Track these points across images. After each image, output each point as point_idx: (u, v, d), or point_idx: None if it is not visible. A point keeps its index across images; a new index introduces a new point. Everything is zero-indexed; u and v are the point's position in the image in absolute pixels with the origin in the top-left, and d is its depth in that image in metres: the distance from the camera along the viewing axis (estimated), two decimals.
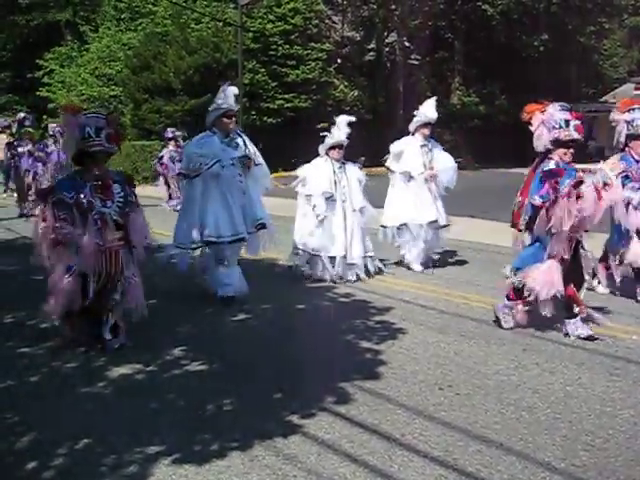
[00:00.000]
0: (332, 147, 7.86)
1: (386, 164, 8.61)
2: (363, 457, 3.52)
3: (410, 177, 8.21)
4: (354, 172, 8.02)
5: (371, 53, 34.15)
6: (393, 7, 30.77)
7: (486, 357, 5.09)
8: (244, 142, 6.85)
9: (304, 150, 28.70)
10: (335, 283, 7.44)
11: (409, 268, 8.27)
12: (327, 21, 32.07)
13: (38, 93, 29.28)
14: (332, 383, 4.49)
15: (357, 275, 7.59)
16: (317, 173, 7.79)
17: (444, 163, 8.56)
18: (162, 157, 15.37)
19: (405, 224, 8.12)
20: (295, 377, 4.63)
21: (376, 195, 8.38)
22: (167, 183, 15.19)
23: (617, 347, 5.37)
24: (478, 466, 3.44)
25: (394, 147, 8.54)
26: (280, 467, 3.44)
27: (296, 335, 5.66)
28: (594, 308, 5.88)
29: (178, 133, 15.87)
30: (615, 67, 40.73)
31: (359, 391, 4.37)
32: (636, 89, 34.07)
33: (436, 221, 8.18)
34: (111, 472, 3.40)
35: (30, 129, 13.93)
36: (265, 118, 25.86)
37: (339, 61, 31.03)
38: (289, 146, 25.52)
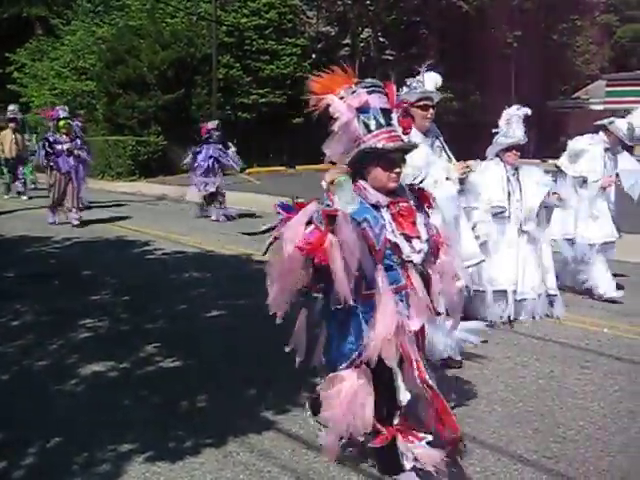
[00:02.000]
0: (508, 148, 5.99)
1: (557, 163, 7.16)
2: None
3: (583, 182, 6.69)
4: (533, 175, 6.11)
5: (346, 48, 34.16)
6: (368, 2, 30.80)
7: None
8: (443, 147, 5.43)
9: (279, 145, 28.72)
10: (504, 325, 5.83)
11: (608, 300, 6.62)
12: (302, 16, 32.00)
13: (9, 87, 28.84)
14: (307, 378, 4.49)
15: (533, 316, 5.97)
16: (485, 179, 5.78)
17: (630, 165, 6.89)
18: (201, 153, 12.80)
19: (571, 240, 6.70)
20: (269, 373, 4.62)
21: None
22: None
23: (588, 340, 5.45)
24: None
25: (574, 144, 6.94)
26: (254, 463, 3.44)
27: (270, 331, 5.64)
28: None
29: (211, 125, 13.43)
30: (587, 64, 41.18)
31: None
32: (608, 86, 34.52)
33: (612, 242, 6.72)
34: (83, 470, 3.37)
35: (69, 121, 11.72)
36: (240, 113, 25.77)
37: (314, 56, 31.00)
38: (264, 141, 25.48)
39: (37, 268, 8.10)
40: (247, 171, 24.85)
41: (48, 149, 11.36)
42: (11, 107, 16.52)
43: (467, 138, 33.55)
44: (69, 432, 3.73)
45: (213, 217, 12.38)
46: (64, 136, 11.50)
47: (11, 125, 15.72)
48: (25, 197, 15.77)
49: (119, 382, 4.48)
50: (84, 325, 5.69)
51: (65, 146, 11.39)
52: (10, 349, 5.10)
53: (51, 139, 11.48)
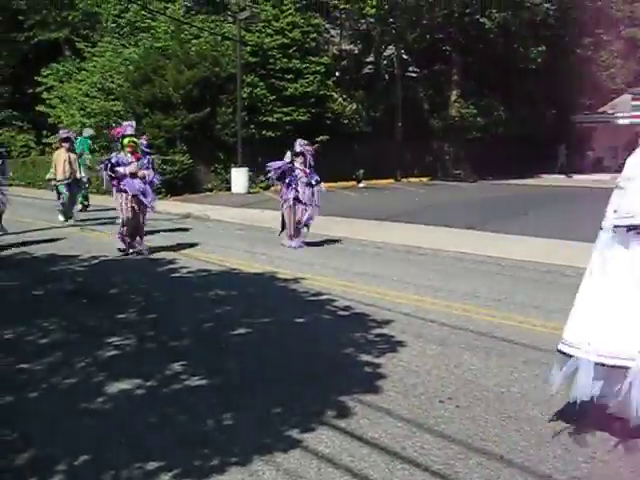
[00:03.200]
0: None
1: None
2: (363, 471, 3.50)
3: None
4: None
5: (369, 66, 34.32)
6: (391, 20, 30.94)
7: (486, 369, 5.08)
8: None
9: None
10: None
11: None
12: (325, 35, 32.23)
13: (38, 108, 29.40)
14: (332, 397, 4.48)
15: None
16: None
17: None
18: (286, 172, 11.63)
19: None
20: (295, 391, 4.61)
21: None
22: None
23: None
24: (479, 479, 3.43)
25: (630, 169, 4.15)
26: None
27: (296, 349, 5.65)
28: None
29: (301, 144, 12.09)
30: (612, 78, 40.90)
31: (359, 404, 4.36)
32: (633, 100, 34.22)
33: None
34: None
35: (134, 139, 10.67)
36: (264, 131, 25.95)
37: (337, 74, 31.17)
38: None
39: (65, 286, 8.20)
40: (271, 189, 25.03)
41: (110, 172, 10.35)
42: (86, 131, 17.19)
43: (492, 153, 33.53)
44: (96, 450, 3.75)
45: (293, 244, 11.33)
46: (129, 155, 10.48)
47: (64, 145, 15.17)
48: (72, 221, 15.06)
49: (146, 400, 4.49)
50: (111, 343, 5.74)
51: (129, 168, 10.33)
52: (38, 366, 5.15)
53: (114, 160, 10.42)
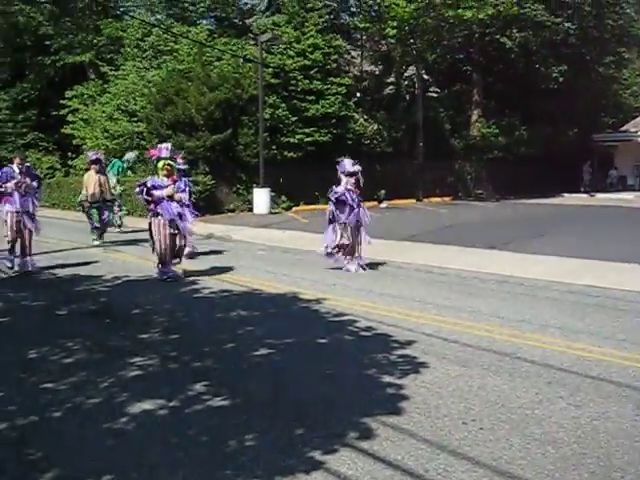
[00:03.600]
0: None
1: None
2: None
3: None
4: None
5: (390, 87, 34.46)
6: (411, 41, 31.08)
7: (510, 391, 5.03)
8: None
9: (325, 184, 29.06)
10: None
11: None
12: (346, 56, 32.45)
13: (63, 131, 29.83)
14: (354, 418, 4.46)
15: None
16: None
17: None
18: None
19: None
20: (317, 412, 4.60)
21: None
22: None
23: None
24: None
25: None
26: None
27: (318, 370, 5.64)
28: None
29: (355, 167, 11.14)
30: (635, 96, 40.70)
31: (382, 426, 4.33)
32: None
33: None
34: None
35: (170, 162, 10.26)
36: (286, 152, 26.10)
37: (358, 95, 31.33)
38: (310, 180, 25.72)
39: (88, 306, 8.27)
40: (294, 209, 25.08)
41: (146, 196, 9.99)
42: (128, 155, 17.19)
43: (513, 172, 33.41)
44: (119, 470, 3.76)
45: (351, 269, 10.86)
46: (165, 179, 10.13)
47: (94, 166, 15.11)
48: (99, 241, 15.08)
49: (168, 420, 4.51)
50: (134, 363, 5.77)
51: (166, 192, 9.95)
52: (62, 386, 5.19)
53: (149, 184, 10.06)
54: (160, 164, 10.21)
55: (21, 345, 6.38)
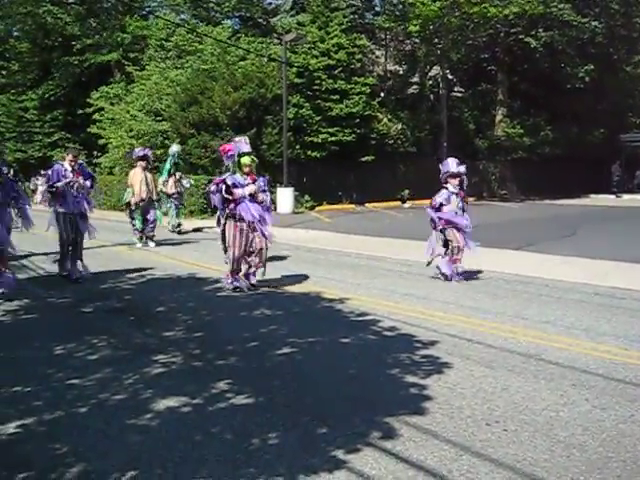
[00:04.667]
0: None
1: None
2: None
3: None
4: None
5: (414, 86, 34.38)
6: (435, 40, 30.95)
7: (534, 392, 4.99)
8: None
9: (349, 183, 29.16)
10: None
11: None
12: (370, 55, 32.43)
13: (89, 130, 30.16)
14: (377, 418, 4.46)
15: None
16: None
17: None
18: None
19: None
20: (340, 411, 4.60)
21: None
22: None
23: None
24: None
25: None
26: None
27: (341, 369, 5.64)
28: None
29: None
30: None
31: (405, 426, 4.32)
32: None
33: None
34: None
35: (253, 157, 9.34)
36: (310, 152, 26.15)
37: (382, 94, 31.28)
38: (334, 180, 25.74)
39: (113, 304, 8.35)
40: (317, 209, 25.10)
41: (227, 195, 8.90)
42: (173, 148, 16.18)
43: (538, 173, 33.14)
44: (144, 466, 3.79)
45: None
46: (246, 177, 9.06)
47: (141, 163, 14.38)
48: (153, 244, 14.41)
49: (191, 418, 4.53)
50: (158, 360, 5.82)
51: (248, 189, 8.94)
52: (88, 382, 5.25)
53: (230, 181, 8.94)
54: (244, 160, 9.01)
55: (48, 341, 6.46)
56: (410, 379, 5.29)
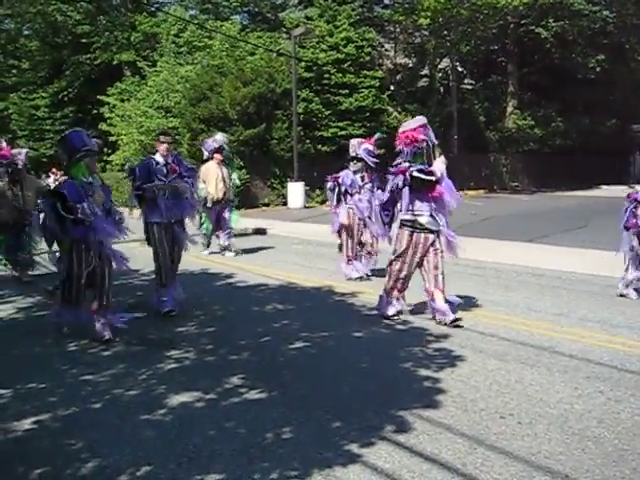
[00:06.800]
0: None
1: None
2: None
3: None
4: None
5: (424, 79, 34.26)
6: (445, 33, 30.81)
7: (548, 385, 4.97)
8: None
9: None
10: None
11: None
12: (379, 48, 32.31)
13: (100, 127, 30.26)
14: (391, 412, 4.45)
15: None
16: None
17: None
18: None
19: None
20: (353, 405, 4.60)
21: None
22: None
23: None
24: None
25: None
26: None
27: (354, 363, 5.64)
28: None
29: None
30: None
31: (418, 420, 4.32)
32: None
33: None
34: None
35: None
36: (319, 146, 26.11)
37: (392, 88, 31.18)
38: None
39: (126, 300, 8.37)
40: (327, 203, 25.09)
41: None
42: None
43: (550, 164, 32.94)
44: (158, 461, 3.81)
45: None
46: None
47: (217, 156, 11.99)
48: (232, 253, 12.12)
49: (205, 413, 4.55)
50: (171, 356, 5.84)
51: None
52: (102, 378, 5.27)
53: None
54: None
55: (61, 338, 6.49)
56: (423, 372, 5.28)
